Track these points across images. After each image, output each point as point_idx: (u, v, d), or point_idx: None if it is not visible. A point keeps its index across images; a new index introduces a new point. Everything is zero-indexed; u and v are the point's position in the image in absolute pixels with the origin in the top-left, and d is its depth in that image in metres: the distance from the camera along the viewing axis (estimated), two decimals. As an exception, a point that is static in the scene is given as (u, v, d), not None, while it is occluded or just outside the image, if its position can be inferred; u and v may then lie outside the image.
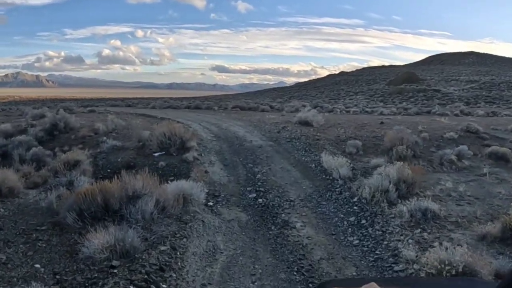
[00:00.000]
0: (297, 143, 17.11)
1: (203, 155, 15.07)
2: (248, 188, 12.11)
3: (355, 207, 10.49)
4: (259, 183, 12.42)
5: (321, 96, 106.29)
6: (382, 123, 23.52)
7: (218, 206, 10.55)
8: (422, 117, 31.83)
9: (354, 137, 17.74)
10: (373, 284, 1.85)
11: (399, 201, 9.82)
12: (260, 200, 11.22)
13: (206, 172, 13.05)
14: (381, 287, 1.83)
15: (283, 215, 10.17)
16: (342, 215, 10.08)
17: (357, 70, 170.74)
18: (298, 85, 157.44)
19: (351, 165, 13.39)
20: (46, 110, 29.84)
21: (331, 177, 12.76)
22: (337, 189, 11.90)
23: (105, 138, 17.47)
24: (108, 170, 14.10)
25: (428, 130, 19.27)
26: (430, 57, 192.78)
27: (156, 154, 15.03)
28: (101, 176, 13.03)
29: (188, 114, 31.43)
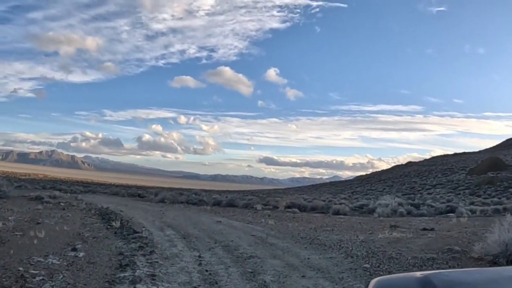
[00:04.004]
0: None
1: None
2: None
3: None
4: None
5: (391, 190, 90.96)
6: None
7: None
8: None
9: None
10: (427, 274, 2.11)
11: None
12: None
13: None
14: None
15: None
16: None
17: (425, 160, 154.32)
18: (359, 179, 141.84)
19: None
20: None
21: None
22: None
23: None
24: None
25: None
26: (508, 140, 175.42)
27: None
28: None
29: (198, 219, 17.32)
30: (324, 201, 38.61)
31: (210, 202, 31.83)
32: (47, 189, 50.41)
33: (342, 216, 22.96)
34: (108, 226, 12.71)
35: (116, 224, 12.63)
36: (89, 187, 78.74)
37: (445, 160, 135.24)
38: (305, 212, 26.00)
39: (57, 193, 29.42)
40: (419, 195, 71.32)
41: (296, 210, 25.07)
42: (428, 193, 74.20)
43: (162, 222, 15.28)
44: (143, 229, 12.69)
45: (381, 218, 22.05)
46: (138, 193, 43.12)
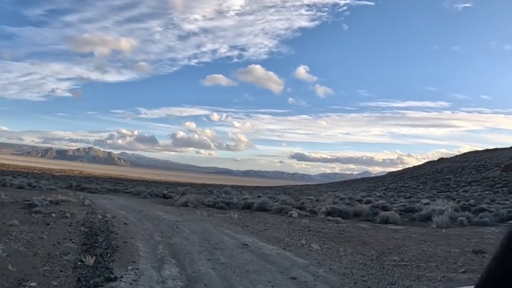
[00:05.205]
0: None
1: None
2: None
3: None
4: None
5: (425, 187, 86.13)
6: None
7: None
8: None
9: None
10: None
11: None
12: None
13: None
14: None
15: None
16: None
17: (457, 156, 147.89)
18: (392, 175, 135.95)
19: None
20: None
21: None
22: None
23: None
24: None
25: None
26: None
27: None
28: None
29: (219, 239, 12.61)
30: (360, 200, 34.30)
31: (240, 205, 27.39)
32: (72, 188, 46.73)
33: (395, 227, 18.23)
34: (80, 263, 8.30)
35: (90, 261, 8.18)
36: (120, 184, 75.32)
37: (477, 156, 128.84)
38: (348, 219, 21.35)
39: (66, 196, 25.41)
40: (455, 192, 66.60)
41: (339, 218, 20.33)
42: (464, 191, 69.67)
43: (168, 247, 10.85)
44: (130, 267, 8.24)
45: (443, 230, 17.31)
46: (163, 194, 38.74)
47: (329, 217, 21.19)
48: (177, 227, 15.09)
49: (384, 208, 26.07)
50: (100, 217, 16.13)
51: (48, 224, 13.02)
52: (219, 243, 11.73)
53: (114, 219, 16.30)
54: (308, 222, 18.95)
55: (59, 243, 10.24)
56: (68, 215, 15.49)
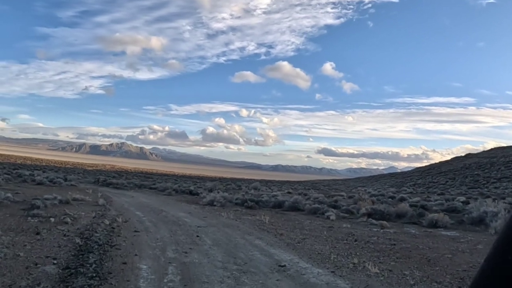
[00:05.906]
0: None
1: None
2: None
3: None
4: None
5: (455, 183, 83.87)
6: None
7: None
8: None
9: None
10: None
11: None
12: None
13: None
14: None
15: None
16: None
17: (484, 151, 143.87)
18: (419, 171, 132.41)
19: None
20: None
21: None
22: None
23: None
24: None
25: None
26: None
27: None
28: None
29: (248, 254, 9.53)
30: (393, 197, 31.84)
31: (270, 203, 24.61)
32: (99, 182, 44.70)
33: (449, 234, 15.09)
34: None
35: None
36: (149, 178, 73.40)
37: (505, 152, 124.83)
38: (391, 221, 18.30)
39: (82, 194, 23.04)
40: (485, 189, 63.87)
41: (384, 222, 17.17)
42: (495, 187, 67.75)
43: (182, 269, 8.01)
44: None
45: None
46: (189, 190, 36.09)
47: (371, 220, 18.19)
48: (197, 235, 12.22)
49: (424, 208, 23.02)
50: (108, 222, 13.29)
51: (38, 234, 10.30)
52: (248, 263, 8.84)
53: (125, 224, 13.57)
54: (350, 227, 15.95)
55: (36, 264, 7.49)
56: (69, 220, 12.76)
